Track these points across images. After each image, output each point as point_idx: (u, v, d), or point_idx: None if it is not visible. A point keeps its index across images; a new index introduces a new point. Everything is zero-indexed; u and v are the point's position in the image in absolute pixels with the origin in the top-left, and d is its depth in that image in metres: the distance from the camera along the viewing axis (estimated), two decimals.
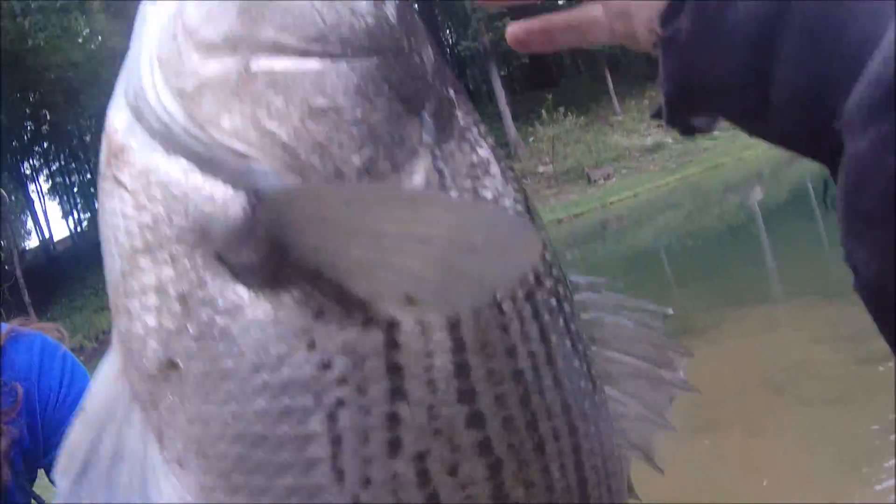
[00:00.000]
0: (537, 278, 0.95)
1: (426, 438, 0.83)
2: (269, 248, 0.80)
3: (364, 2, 0.96)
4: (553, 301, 0.96)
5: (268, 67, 0.87)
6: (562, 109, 41.01)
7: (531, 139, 42.90)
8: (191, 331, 0.81)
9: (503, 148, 43.28)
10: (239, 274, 0.81)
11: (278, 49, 0.88)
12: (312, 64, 0.89)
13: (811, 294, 10.67)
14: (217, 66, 0.87)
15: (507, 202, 0.95)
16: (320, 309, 0.81)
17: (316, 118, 0.86)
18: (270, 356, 0.81)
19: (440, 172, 0.91)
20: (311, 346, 0.81)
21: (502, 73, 49.87)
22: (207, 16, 0.88)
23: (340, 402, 0.81)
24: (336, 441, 0.82)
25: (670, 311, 1.11)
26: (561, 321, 0.96)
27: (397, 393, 0.82)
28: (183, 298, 0.82)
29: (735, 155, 37.23)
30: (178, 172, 0.84)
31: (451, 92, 0.99)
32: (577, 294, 1.07)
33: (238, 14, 0.88)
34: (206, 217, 0.82)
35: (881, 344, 0.73)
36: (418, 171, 0.89)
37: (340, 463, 0.82)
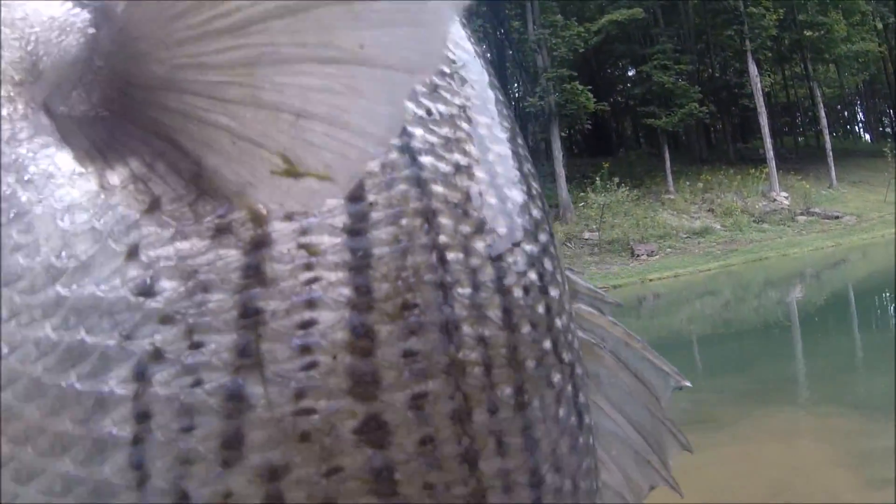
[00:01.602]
0: (510, 231, 0.70)
1: (286, 446, 0.57)
2: (107, 87, 0.60)
3: None
4: (532, 274, 0.70)
5: None
6: (616, 179, 41.00)
7: (581, 204, 42.90)
8: None
9: (552, 209, 43.30)
10: (68, 132, 0.60)
11: None
12: None
13: (836, 403, 10.62)
14: None
15: (482, 119, 0.72)
16: (157, 198, 0.58)
17: None
18: (73, 260, 0.57)
19: None
20: (133, 254, 0.57)
21: (563, 133, 50.07)
22: None
23: (158, 355, 0.56)
24: (142, 417, 0.56)
25: (688, 384, 0.90)
26: (541, 308, 0.70)
27: (249, 358, 0.57)
28: None
29: (780, 251, 37.15)
30: None
31: None
32: (577, 303, 0.86)
33: None
34: (39, 44, 0.60)
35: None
36: None
37: (144, 455, 0.56)
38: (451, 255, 0.63)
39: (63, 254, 0.57)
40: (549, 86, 45.40)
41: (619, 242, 40.40)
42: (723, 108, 57.22)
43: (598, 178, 41.24)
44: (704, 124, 56.99)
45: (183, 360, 0.56)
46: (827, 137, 52.42)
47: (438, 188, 0.65)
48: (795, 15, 51.23)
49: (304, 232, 0.59)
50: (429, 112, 0.67)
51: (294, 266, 0.58)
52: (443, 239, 0.64)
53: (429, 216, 0.63)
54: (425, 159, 0.65)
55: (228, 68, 0.55)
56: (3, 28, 0.59)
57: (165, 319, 0.56)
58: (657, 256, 39.21)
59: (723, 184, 47.19)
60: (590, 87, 46.63)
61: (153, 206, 0.58)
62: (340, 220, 0.60)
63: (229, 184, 0.57)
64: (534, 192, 0.73)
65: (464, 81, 0.72)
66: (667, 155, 47.98)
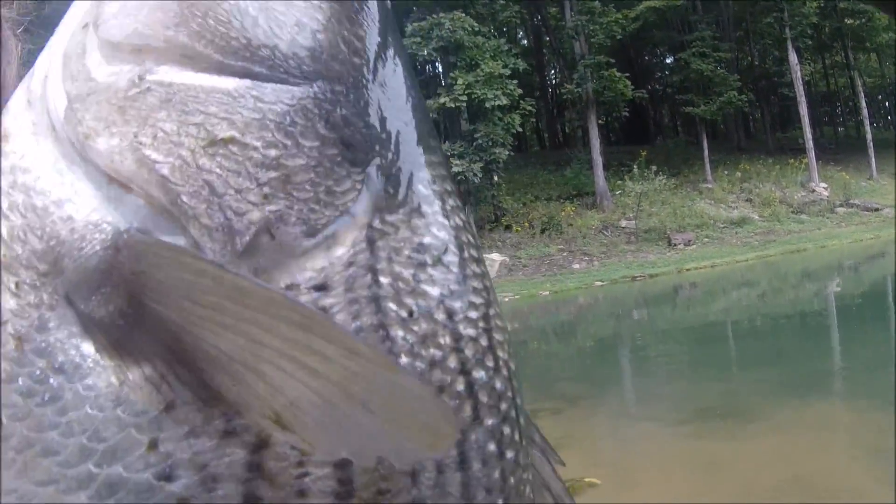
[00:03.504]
0: (475, 411, 0.77)
1: None
2: (122, 304, 0.66)
3: (315, 11, 0.78)
4: (491, 446, 0.79)
5: (167, 79, 0.71)
6: (653, 168, 40.74)
7: (618, 192, 42.71)
8: (20, 384, 0.66)
9: (589, 197, 43.12)
10: (88, 327, 0.67)
11: (188, 58, 0.72)
12: (226, 82, 0.72)
13: (872, 397, 10.52)
14: (112, 72, 0.72)
15: (457, 304, 0.78)
16: (172, 401, 0.66)
17: (213, 152, 0.70)
18: (103, 443, 0.65)
19: (371, 248, 0.74)
20: (153, 446, 0.66)
21: (600, 121, 49.83)
22: (121, 10, 0.74)
23: None
24: None
25: None
26: (496, 473, 0.79)
27: None
28: (19, 340, 0.67)
29: (819, 242, 36.91)
30: (47, 179, 0.71)
31: (423, 146, 0.82)
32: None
33: (151, 12, 0.73)
34: (61, 243, 0.68)
35: None
36: (342, 241, 0.73)
37: None
38: None
39: (93, 437, 0.65)
40: (586, 73, 45.22)
41: (655, 231, 40.26)
42: (762, 96, 56.78)
43: (635, 166, 41.05)
44: (743, 113, 56.60)
45: None
46: (867, 128, 51.81)
47: None
48: (836, 2, 50.63)
49: (297, 448, 0.67)
50: (410, 313, 0.74)
51: (289, 463, 0.66)
52: None
53: None
54: (404, 359, 0.73)
55: (238, 349, 0.63)
56: (26, 213, 0.69)
57: (182, 501, 0.65)
58: (694, 246, 39.03)
59: (761, 174, 46.88)
60: (627, 75, 46.44)
61: (169, 407, 0.65)
62: None
63: (231, 401, 0.65)
64: (500, 362, 0.81)
65: (445, 267, 0.79)
66: (705, 143, 47.64)
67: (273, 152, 0.70)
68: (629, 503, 7.61)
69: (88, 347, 0.67)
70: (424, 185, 0.79)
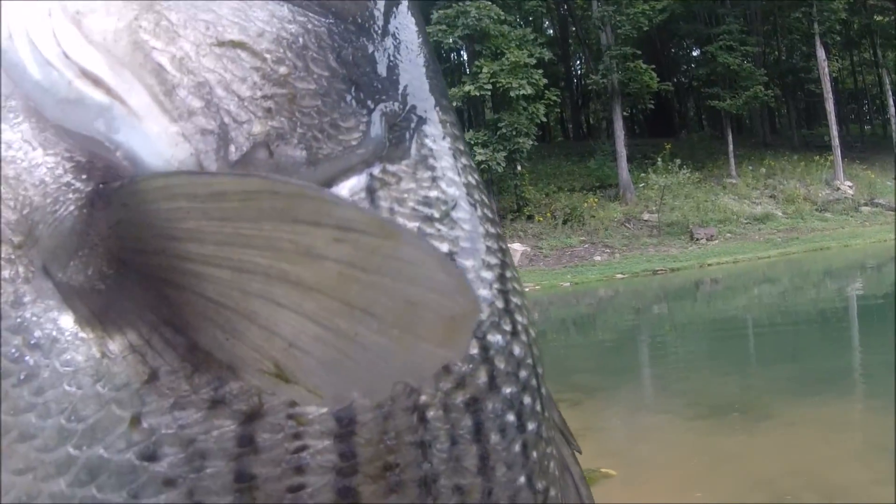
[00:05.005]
0: (491, 379, 0.72)
1: None
2: (102, 265, 0.62)
3: None
4: (510, 416, 0.73)
5: None
6: (677, 161, 40.51)
7: (642, 185, 42.52)
8: None
9: (612, 189, 42.93)
10: (66, 297, 0.63)
11: None
12: None
13: (890, 398, 10.43)
14: None
15: (469, 262, 0.73)
16: (156, 370, 0.61)
17: (220, 53, 0.66)
18: (82, 423, 0.61)
19: (371, 196, 0.70)
20: (136, 422, 0.61)
21: (625, 113, 49.58)
22: None
23: None
24: None
25: None
26: (517, 446, 0.73)
27: None
28: None
29: (842, 241, 36.61)
30: (16, 144, 0.66)
31: (432, 103, 0.79)
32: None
33: None
34: (34, 210, 0.64)
35: None
36: (340, 184, 0.69)
37: None
38: (430, 414, 0.67)
39: (72, 417, 0.61)
40: (612, 64, 44.99)
41: (678, 225, 40.04)
42: (788, 92, 56.41)
43: (659, 159, 40.84)
44: (769, 108, 56.18)
45: None
46: (894, 126, 51.24)
47: None
48: None
49: (293, 403, 0.62)
50: None
51: (284, 435, 0.62)
52: (423, 399, 0.67)
53: None
54: None
55: (227, 283, 0.57)
56: None
57: (168, 482, 0.60)
58: (716, 241, 38.82)
59: (786, 170, 46.53)
60: (653, 67, 46.16)
61: (152, 377, 0.61)
62: None
63: (222, 361, 0.60)
64: (518, 327, 0.77)
65: (453, 223, 0.75)
66: (730, 138, 47.33)
67: (283, 69, 0.68)
68: (643, 495, 7.60)
69: (67, 320, 0.63)
70: (433, 139, 0.77)
